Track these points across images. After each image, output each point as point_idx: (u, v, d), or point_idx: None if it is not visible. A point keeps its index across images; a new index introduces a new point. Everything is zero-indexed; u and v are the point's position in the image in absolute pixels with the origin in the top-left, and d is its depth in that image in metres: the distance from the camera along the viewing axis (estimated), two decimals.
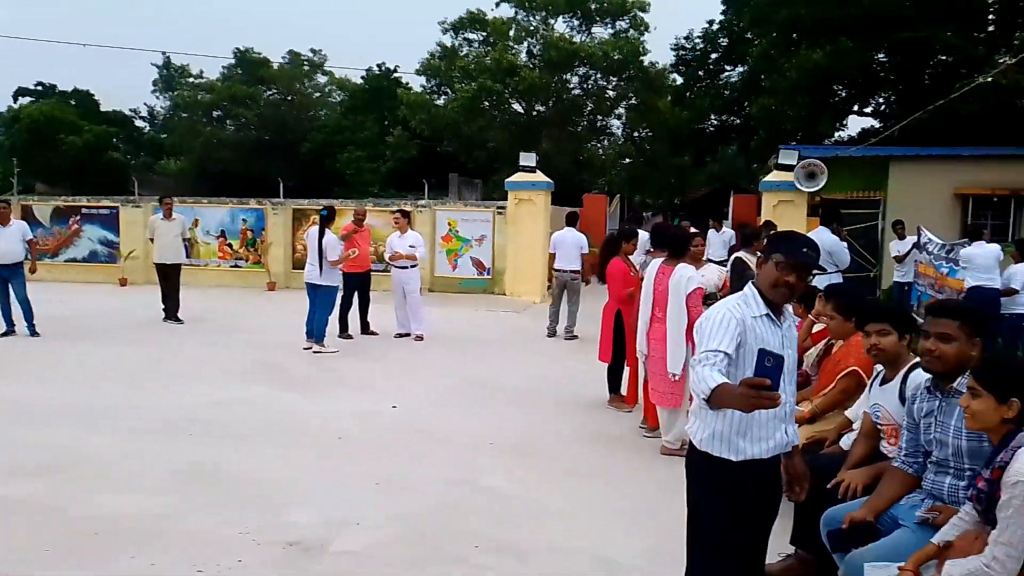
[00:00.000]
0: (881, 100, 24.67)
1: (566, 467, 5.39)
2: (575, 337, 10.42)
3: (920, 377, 3.29)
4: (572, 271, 10.50)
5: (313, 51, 39.97)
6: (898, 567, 2.60)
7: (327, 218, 9.38)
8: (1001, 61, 14.92)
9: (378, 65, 37.72)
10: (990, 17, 21.29)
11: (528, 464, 5.42)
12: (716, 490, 2.69)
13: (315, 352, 9.05)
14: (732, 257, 8.79)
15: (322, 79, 41.17)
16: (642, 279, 6.16)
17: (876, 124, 24.37)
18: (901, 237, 11.94)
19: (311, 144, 35.19)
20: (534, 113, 29.07)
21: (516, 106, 29.12)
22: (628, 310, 6.62)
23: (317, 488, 4.84)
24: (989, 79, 17.94)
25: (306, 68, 39.29)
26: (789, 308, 2.86)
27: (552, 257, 10.77)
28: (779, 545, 3.88)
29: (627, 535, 4.24)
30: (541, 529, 4.31)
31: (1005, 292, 9.09)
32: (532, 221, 14.61)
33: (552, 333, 10.58)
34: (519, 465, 5.39)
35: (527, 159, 14.86)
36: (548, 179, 14.99)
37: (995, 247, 9.51)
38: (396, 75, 37.18)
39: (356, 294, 10.30)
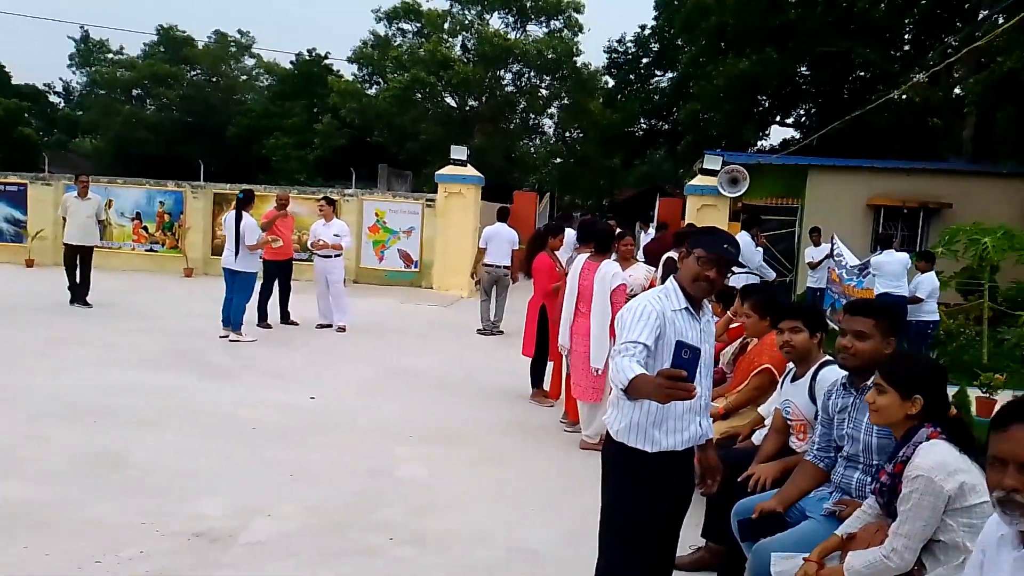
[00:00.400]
0: (802, 112, 25.59)
1: (485, 457, 5.38)
2: (500, 332, 10.41)
3: (830, 374, 3.39)
4: (504, 267, 10.48)
5: (241, 32, 38.94)
6: (803, 558, 2.66)
7: (244, 201, 9.08)
8: (913, 79, 15.62)
9: (308, 51, 37.02)
10: (906, 36, 22.32)
11: (447, 454, 5.38)
12: (631, 480, 2.71)
13: (231, 340, 8.76)
14: (664, 256, 8.94)
15: (249, 62, 40.14)
16: (567, 274, 6.19)
17: (796, 135, 25.24)
18: (816, 244, 12.37)
19: (236, 128, 34.23)
20: (467, 108, 28.98)
21: (449, 100, 28.98)
22: (553, 305, 6.64)
23: (227, 478, 4.67)
24: (903, 95, 18.81)
25: (233, 49, 38.23)
26: (708, 303, 2.89)
27: (481, 252, 10.70)
28: (691, 538, 3.95)
29: (545, 524, 4.25)
30: (458, 518, 4.27)
31: (911, 300, 9.52)
32: (461, 215, 14.54)
33: (486, 330, 10.49)
34: (438, 455, 5.34)
35: (458, 152, 14.79)
36: (479, 174, 14.94)
37: (904, 256, 9.95)
38: (327, 62, 36.57)
39: (276, 283, 10.03)
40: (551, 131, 32.47)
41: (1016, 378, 8.34)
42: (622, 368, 2.47)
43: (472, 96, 28.59)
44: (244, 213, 8.92)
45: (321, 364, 8.01)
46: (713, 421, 4.40)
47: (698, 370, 2.42)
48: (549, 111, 30.84)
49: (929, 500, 2.34)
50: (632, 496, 2.70)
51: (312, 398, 6.59)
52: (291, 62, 37.54)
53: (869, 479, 2.81)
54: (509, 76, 28.96)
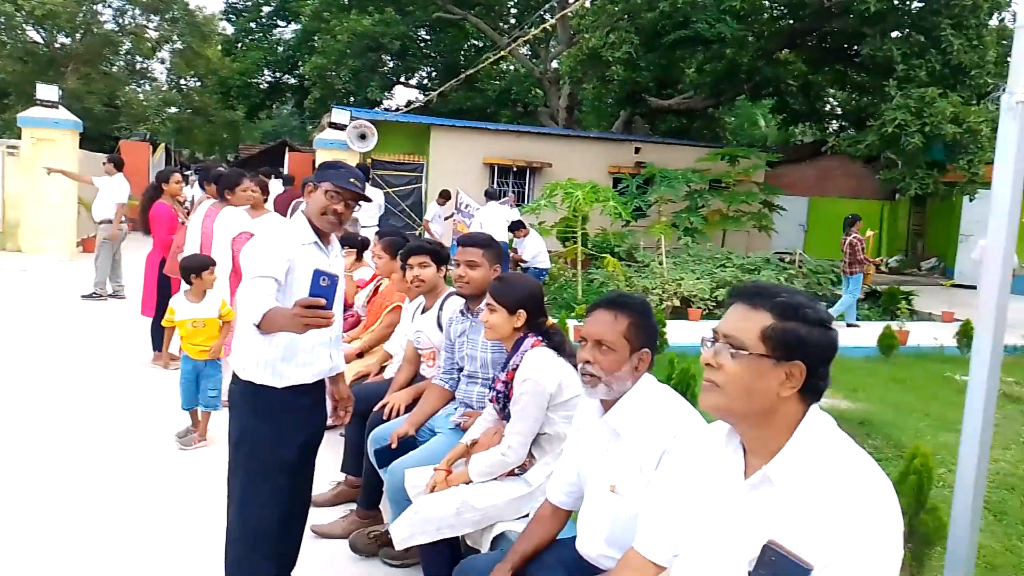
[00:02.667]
0: (424, 74, 26.73)
1: (98, 424, 4.84)
2: (113, 295, 9.34)
3: (455, 304, 3.66)
4: (102, 222, 9.30)
5: None
6: (434, 468, 2.87)
7: None
8: (512, 47, 17.26)
9: None
10: (512, 11, 24.50)
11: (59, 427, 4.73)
12: (260, 418, 2.65)
13: None
14: (293, 203, 8.82)
15: None
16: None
17: (421, 96, 26.36)
18: (442, 205, 13.09)
19: None
20: (57, 45, 25.02)
21: (33, 33, 24.73)
22: (174, 258, 6.14)
23: None
24: (510, 66, 20.64)
25: None
26: (335, 240, 2.91)
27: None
28: (330, 475, 4.03)
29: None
30: None
31: (517, 258, 10.67)
32: (56, 165, 12.60)
33: (96, 294, 9.25)
34: (47, 431, 4.67)
35: (47, 92, 12.77)
36: (75, 118, 13.06)
37: (506, 209, 11.14)
38: None
39: None
40: (163, 78, 29.62)
41: None
42: (253, 302, 2.39)
43: (62, 32, 24.74)
44: None
45: None
46: (348, 362, 4.51)
47: (335, 298, 2.44)
48: (159, 55, 28.03)
49: (536, 399, 2.68)
50: (262, 433, 2.65)
51: None
52: None
53: (488, 391, 3.11)
54: (109, 12, 25.63)
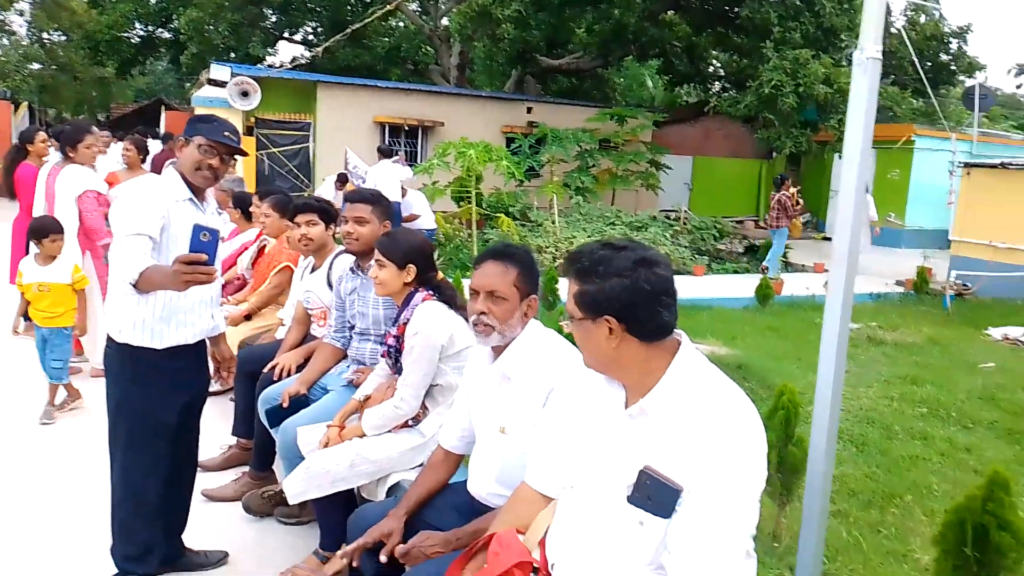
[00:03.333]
0: (310, 29, 25.77)
1: None
2: None
3: (344, 262, 3.63)
4: None
5: None
6: (327, 425, 2.87)
7: None
8: (397, 2, 16.88)
9: None
10: None
11: None
12: (139, 382, 2.58)
13: None
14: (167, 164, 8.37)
15: None
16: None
17: (306, 52, 25.43)
18: (340, 189, 12.54)
19: None
20: None
21: None
22: None
23: None
24: (400, 23, 20.15)
25: None
26: (212, 196, 2.83)
27: None
28: (221, 439, 3.96)
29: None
30: None
31: (408, 218, 10.56)
32: None
33: None
34: None
35: None
36: None
37: (398, 167, 10.99)
38: None
39: None
40: (23, 31, 27.31)
41: None
42: (128, 261, 2.31)
43: None
44: None
45: None
46: (236, 326, 4.41)
47: (215, 253, 2.39)
48: (17, 7, 25.81)
49: (427, 352, 2.71)
50: (141, 398, 2.58)
51: None
52: None
53: (380, 347, 3.13)
54: None
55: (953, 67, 18.74)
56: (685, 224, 13.83)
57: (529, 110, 16.83)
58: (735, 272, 12.08)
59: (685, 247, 12.39)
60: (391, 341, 2.85)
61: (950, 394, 6.11)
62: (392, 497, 2.58)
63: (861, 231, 12.86)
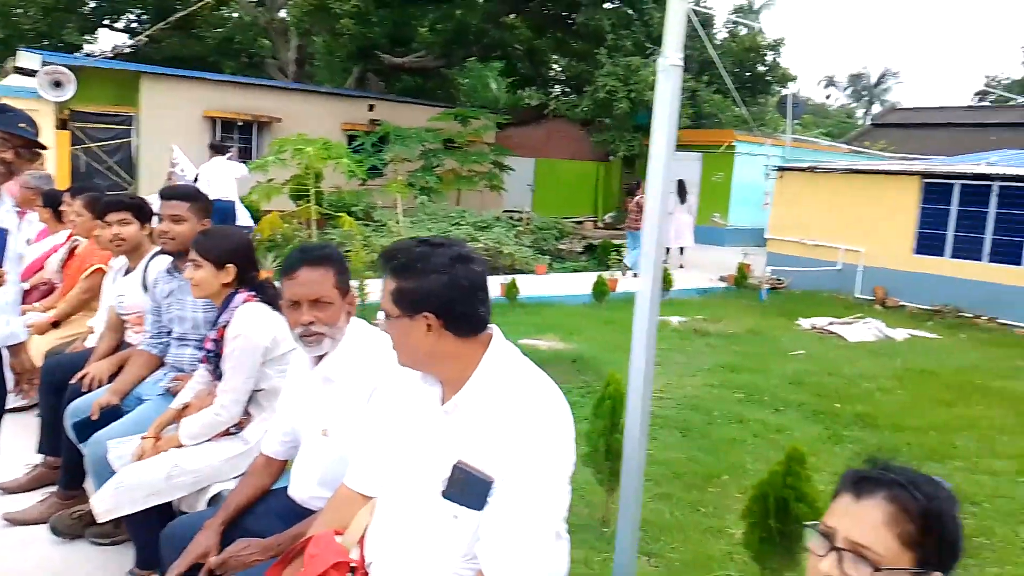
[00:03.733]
0: (133, 16, 24.12)
1: None
2: None
3: (161, 263, 3.43)
4: None
5: None
6: (141, 437, 2.70)
7: None
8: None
9: None
10: None
11: None
12: None
13: None
14: None
15: None
16: None
17: (129, 41, 23.77)
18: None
19: None
20: None
21: None
22: None
23: None
24: (233, 13, 19.29)
25: None
26: (5, 192, 2.60)
27: None
28: (26, 459, 3.64)
29: None
30: None
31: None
32: None
33: None
34: None
35: None
36: None
37: (233, 165, 10.55)
38: None
39: None
40: None
41: None
42: None
43: None
44: None
45: None
46: (42, 334, 4.07)
47: (5, 256, 2.19)
48: None
49: (249, 355, 2.61)
50: None
51: None
52: None
53: (200, 352, 2.98)
54: None
55: (769, 78, 20.35)
56: (528, 224, 14.16)
57: (371, 107, 16.61)
58: (575, 271, 12.49)
59: (528, 247, 12.68)
60: (210, 345, 2.73)
61: (765, 380, 6.63)
62: (210, 508, 2.47)
63: (687, 233, 13.71)
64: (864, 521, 1.16)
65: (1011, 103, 26.96)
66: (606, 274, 10.40)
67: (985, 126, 23.21)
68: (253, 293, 2.74)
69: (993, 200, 10.28)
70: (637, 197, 12.47)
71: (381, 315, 1.71)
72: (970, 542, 3.88)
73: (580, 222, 18.26)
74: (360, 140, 14.50)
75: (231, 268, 2.71)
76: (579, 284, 10.47)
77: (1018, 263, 10.00)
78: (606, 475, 3.63)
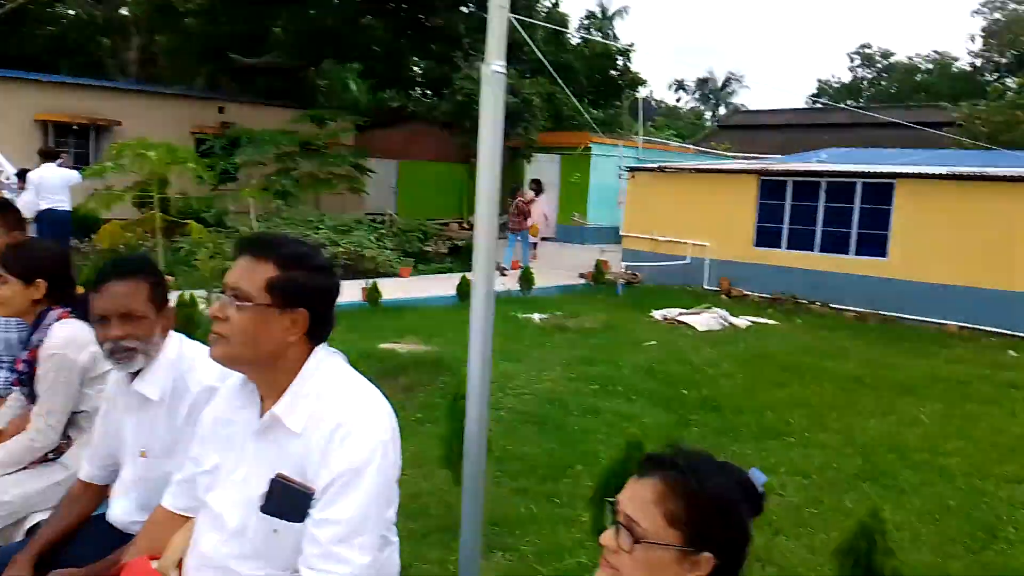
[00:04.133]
0: None
1: None
2: None
3: None
4: None
5: None
6: None
7: None
8: None
9: None
10: None
11: None
12: None
13: None
14: None
15: None
16: None
17: None
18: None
19: None
20: None
21: None
22: None
23: None
24: (69, 10, 17.99)
25: None
26: None
27: None
28: None
29: None
30: None
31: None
32: None
33: None
34: None
35: None
36: None
37: (66, 171, 9.87)
38: None
39: None
40: None
41: (188, 279, 9.29)
42: None
43: None
44: None
45: None
46: None
47: None
48: None
49: (65, 375, 2.46)
50: None
51: None
52: None
53: (12, 374, 2.77)
54: None
55: (621, 82, 21.14)
56: (391, 227, 14.04)
57: (221, 110, 15.96)
58: (440, 272, 12.51)
59: (391, 250, 12.58)
60: (22, 367, 2.54)
61: (619, 371, 6.90)
62: (21, 540, 2.31)
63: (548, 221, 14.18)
64: (637, 497, 1.24)
65: (841, 105, 29.34)
66: (469, 275, 10.48)
67: (819, 127, 25.15)
68: (68, 309, 2.58)
69: (822, 195, 11.14)
70: (516, 200, 12.90)
71: (226, 297, 1.60)
72: (801, 511, 4.24)
73: (446, 223, 18.29)
74: (210, 143, 13.89)
75: (41, 283, 2.54)
76: (444, 286, 10.49)
77: (846, 252, 10.89)
78: (461, 475, 3.67)
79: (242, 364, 1.63)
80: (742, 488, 1.26)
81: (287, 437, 1.59)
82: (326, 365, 1.66)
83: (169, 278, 8.01)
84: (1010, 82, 26.86)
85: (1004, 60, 33.71)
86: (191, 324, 5.04)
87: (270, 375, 1.62)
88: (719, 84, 49.69)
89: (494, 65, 2.36)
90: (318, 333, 1.65)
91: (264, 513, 1.55)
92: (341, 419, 1.56)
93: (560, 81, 12.53)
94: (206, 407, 1.82)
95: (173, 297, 5.25)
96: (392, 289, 9.90)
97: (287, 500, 1.54)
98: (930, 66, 40.11)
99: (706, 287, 11.97)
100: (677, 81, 51.42)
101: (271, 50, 19.11)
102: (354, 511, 1.52)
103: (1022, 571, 3.65)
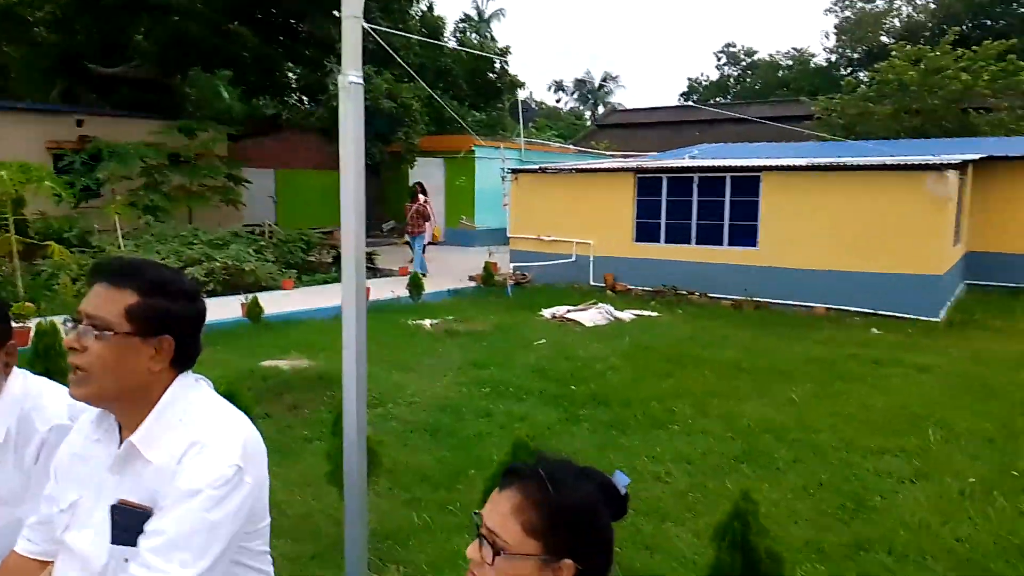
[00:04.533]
0: None
1: None
2: None
3: None
4: None
5: None
6: None
7: None
8: None
9: None
10: None
11: None
12: None
13: None
14: None
15: None
16: None
17: None
18: None
19: None
20: None
21: None
22: None
23: None
24: None
25: None
26: None
27: None
28: None
29: None
30: None
31: None
32: None
33: None
34: None
35: None
36: None
37: None
38: None
39: None
40: None
41: (51, 304, 8.71)
42: None
43: None
44: None
45: None
46: None
47: None
48: None
49: None
50: None
51: None
52: None
53: None
54: None
55: (499, 84, 21.32)
56: (271, 238, 13.62)
57: (80, 123, 15.02)
58: (325, 283, 12.23)
59: (271, 262, 12.20)
60: None
61: (510, 372, 6.95)
62: None
63: (429, 235, 14.20)
64: (496, 509, 1.24)
65: (710, 102, 30.64)
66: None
67: (691, 123, 26.21)
68: None
69: (695, 190, 11.61)
70: (416, 204, 12.95)
71: (82, 328, 1.48)
72: (686, 497, 4.39)
73: (329, 232, 17.87)
74: (69, 159, 13.05)
75: None
76: (329, 297, 10.24)
77: (720, 243, 11.38)
78: None
79: (106, 400, 1.54)
80: (603, 492, 1.27)
81: (144, 467, 1.50)
82: (189, 392, 1.58)
83: (29, 305, 7.50)
84: (862, 75, 28.85)
85: (856, 55, 36.15)
86: (52, 353, 4.70)
87: (134, 406, 1.54)
88: (596, 84, 51.01)
89: (351, 76, 2.33)
90: (184, 360, 1.58)
91: (114, 544, 1.46)
92: (194, 439, 1.50)
93: (425, 85, 12.51)
94: (62, 444, 1.69)
95: (33, 324, 4.89)
96: (274, 303, 9.60)
97: (129, 524, 1.47)
98: (790, 62, 42.49)
99: (592, 284, 12.24)
100: (556, 82, 52.45)
101: (133, 59, 18.16)
102: (182, 526, 1.43)
103: (889, 536, 3.90)
